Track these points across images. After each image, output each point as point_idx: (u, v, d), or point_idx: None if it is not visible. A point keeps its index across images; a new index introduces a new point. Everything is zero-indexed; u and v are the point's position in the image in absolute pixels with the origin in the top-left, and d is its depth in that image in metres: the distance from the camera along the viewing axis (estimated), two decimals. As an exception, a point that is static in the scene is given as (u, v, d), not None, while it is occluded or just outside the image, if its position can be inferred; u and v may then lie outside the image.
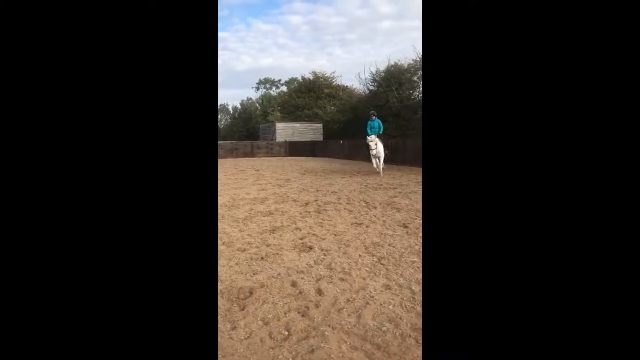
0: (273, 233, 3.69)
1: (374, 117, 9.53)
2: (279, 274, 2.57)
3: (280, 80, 31.89)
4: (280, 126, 23.00)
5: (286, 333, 1.82)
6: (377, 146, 8.69)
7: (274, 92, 31.06)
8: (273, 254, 3.01)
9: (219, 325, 1.89)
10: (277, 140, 21.92)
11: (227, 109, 30.48)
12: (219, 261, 2.87)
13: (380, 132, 9.34)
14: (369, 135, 8.90)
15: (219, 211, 4.81)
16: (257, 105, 29.55)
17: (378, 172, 8.94)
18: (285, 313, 2.02)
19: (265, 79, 31.97)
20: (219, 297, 2.22)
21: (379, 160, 8.84)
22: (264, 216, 4.49)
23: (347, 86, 26.76)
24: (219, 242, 3.40)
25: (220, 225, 4.07)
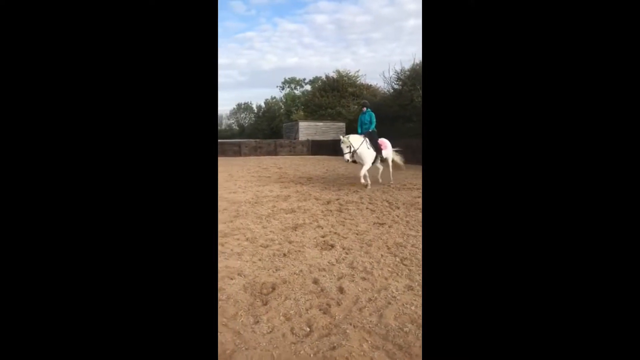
0: (295, 230, 3.72)
1: (365, 109, 7.02)
2: (301, 271, 2.59)
3: (304, 80, 32.07)
4: (303, 125, 23.13)
5: (308, 329, 1.84)
6: (352, 149, 6.39)
7: (298, 91, 31.25)
8: (295, 251, 3.04)
9: (242, 319, 1.94)
10: (299, 139, 22.07)
11: (252, 108, 30.94)
12: (242, 256, 2.92)
13: (371, 129, 6.76)
14: (343, 137, 6.65)
15: (242, 208, 4.90)
16: (281, 104, 29.84)
17: (366, 185, 6.64)
18: (307, 310, 2.03)
19: (290, 78, 32.26)
20: (242, 292, 2.27)
21: (366, 167, 6.61)
22: (286, 213, 4.54)
23: (371, 85, 26.57)
24: (243, 237, 3.47)
25: (244, 221, 4.15)
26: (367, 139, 6.57)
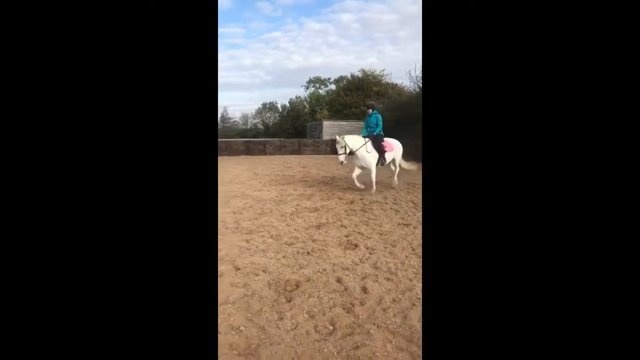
0: (319, 229, 3.74)
1: (370, 111, 6.36)
2: (324, 270, 2.60)
3: (329, 79, 32.07)
4: (327, 124, 23.13)
5: (331, 328, 1.84)
6: (347, 150, 5.91)
7: (322, 90, 31.30)
8: (319, 250, 3.05)
9: (266, 315, 1.97)
10: (323, 139, 22.09)
11: (277, 107, 31.28)
12: (267, 253, 2.97)
13: (377, 132, 6.16)
14: (338, 136, 6.09)
15: (267, 206, 4.97)
16: (305, 103, 30.00)
17: (370, 188, 6.01)
18: (330, 308, 2.04)
19: (314, 77, 32.35)
20: (267, 288, 2.31)
21: (372, 170, 6.03)
22: (310, 212, 4.57)
23: (396, 84, 26.21)
24: (267, 235, 3.52)
25: (268, 218, 4.21)
26: (369, 142, 6.03)
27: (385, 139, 6.32)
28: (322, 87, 32.14)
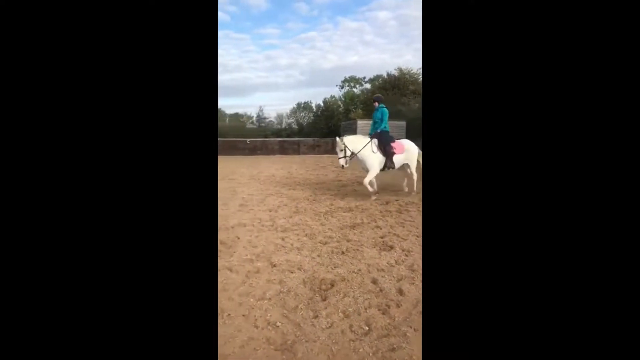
0: (353, 229, 3.73)
1: (376, 104, 5.64)
2: (359, 270, 2.59)
3: (364, 78, 31.80)
4: (361, 124, 22.94)
5: (366, 328, 1.83)
6: (348, 153, 5.30)
7: (357, 90, 31.11)
8: (353, 250, 3.04)
9: (302, 312, 2.00)
10: (358, 138, 21.91)
11: (311, 107, 31.50)
12: (302, 251, 3.01)
13: (381, 129, 5.41)
14: (339, 138, 5.47)
15: (301, 205, 5.03)
16: (340, 103, 29.95)
17: (374, 192, 5.48)
18: (365, 309, 2.03)
19: (350, 77, 32.20)
20: (302, 286, 2.34)
21: (372, 173, 5.35)
22: (344, 212, 4.56)
23: (434, 82, 25.41)
24: (302, 233, 3.56)
25: (302, 217, 4.26)
26: (374, 141, 5.37)
27: (397, 140, 5.62)
28: (357, 86, 31.94)
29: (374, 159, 5.32)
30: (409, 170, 5.79)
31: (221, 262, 2.77)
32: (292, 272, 2.55)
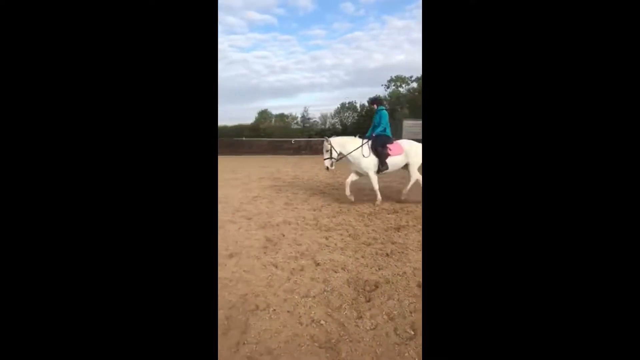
0: (398, 231, 3.65)
1: (375, 106, 5.35)
2: (404, 273, 2.54)
3: (411, 77, 31.01)
4: (407, 124, 22.43)
5: (412, 332, 1.79)
6: (333, 154, 5.11)
7: (403, 89, 30.45)
8: (398, 252, 2.98)
9: (346, 312, 2.00)
10: (403, 138, 21.46)
11: (355, 107, 31.33)
12: (345, 252, 3.01)
13: (377, 132, 5.11)
14: (326, 139, 5.24)
15: (344, 205, 5.03)
16: (385, 102, 29.54)
17: (377, 200, 5.14)
18: (410, 312, 1.99)
19: (396, 76, 31.58)
20: (346, 286, 2.34)
21: (370, 177, 5.12)
22: (388, 214, 4.49)
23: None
24: (346, 233, 3.56)
25: (346, 217, 4.25)
26: (368, 143, 5.10)
27: (398, 141, 5.27)
28: (404, 85, 31.23)
29: (367, 162, 5.06)
30: (409, 171, 5.33)
31: (267, 259, 2.85)
32: (335, 272, 2.56)
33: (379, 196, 5.14)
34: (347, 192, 5.17)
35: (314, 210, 4.74)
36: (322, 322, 1.90)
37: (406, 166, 5.28)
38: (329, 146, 5.13)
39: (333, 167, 5.26)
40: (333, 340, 1.73)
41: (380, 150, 5.03)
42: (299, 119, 32.24)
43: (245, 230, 3.77)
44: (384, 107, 5.31)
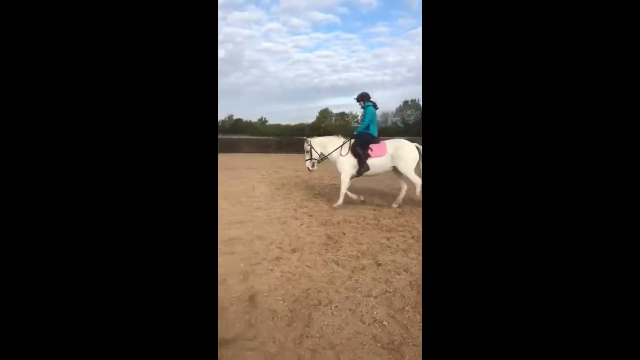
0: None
1: (362, 103, 4.98)
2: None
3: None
4: (474, 122, 21.17)
5: (481, 343, 1.70)
6: (314, 155, 5.00)
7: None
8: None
9: (408, 314, 1.96)
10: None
11: (418, 104, 30.29)
12: (408, 253, 2.94)
13: (360, 131, 4.85)
14: (306, 140, 5.14)
15: (406, 206, 4.90)
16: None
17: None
18: (479, 322, 1.88)
19: (461, 71, 29.98)
20: (409, 288, 2.28)
21: (341, 179, 4.87)
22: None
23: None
24: (409, 235, 3.47)
25: (408, 218, 4.15)
26: (349, 142, 4.84)
27: (385, 141, 4.85)
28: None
29: (343, 162, 4.79)
30: (402, 175, 4.86)
31: (328, 255, 2.90)
32: (398, 274, 2.52)
33: (340, 200, 4.83)
34: (354, 197, 5.03)
35: (374, 210, 4.69)
36: (385, 322, 1.88)
37: (396, 170, 4.84)
38: (309, 147, 5.03)
39: (315, 168, 5.15)
40: (396, 342, 1.71)
41: (359, 150, 4.71)
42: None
43: (307, 226, 3.87)
44: (371, 104, 4.95)
